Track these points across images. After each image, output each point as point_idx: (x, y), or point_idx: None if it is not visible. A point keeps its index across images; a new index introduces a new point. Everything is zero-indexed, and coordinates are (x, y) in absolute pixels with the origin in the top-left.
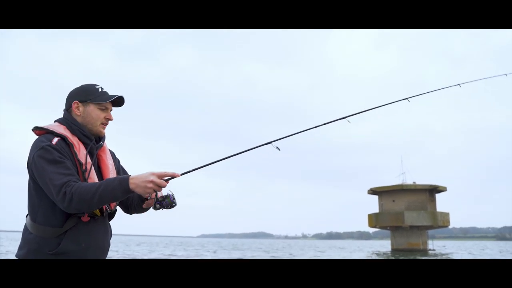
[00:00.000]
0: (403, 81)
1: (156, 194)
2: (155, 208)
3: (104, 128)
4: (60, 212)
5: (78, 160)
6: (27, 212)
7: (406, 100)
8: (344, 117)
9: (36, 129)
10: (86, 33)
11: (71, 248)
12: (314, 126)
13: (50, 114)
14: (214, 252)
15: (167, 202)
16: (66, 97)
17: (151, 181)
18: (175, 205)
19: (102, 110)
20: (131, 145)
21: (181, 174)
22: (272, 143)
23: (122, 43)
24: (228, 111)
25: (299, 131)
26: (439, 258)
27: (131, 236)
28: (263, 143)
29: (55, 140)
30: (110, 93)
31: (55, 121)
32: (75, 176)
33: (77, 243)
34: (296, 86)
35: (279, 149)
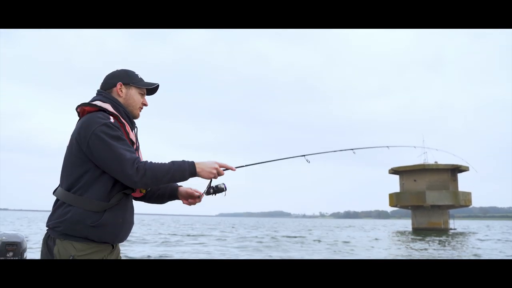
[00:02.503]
0: (421, 56)
1: (211, 181)
2: (208, 193)
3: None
4: (105, 187)
5: (130, 140)
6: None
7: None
8: (351, 149)
9: (86, 105)
10: None
11: (110, 221)
12: (341, 149)
13: (65, 95)
14: (230, 231)
15: (220, 189)
16: (105, 77)
17: (216, 169)
18: (225, 192)
19: (141, 95)
20: (148, 126)
21: (236, 168)
22: (305, 156)
23: None
24: (240, 89)
25: (331, 150)
26: (460, 237)
27: (151, 215)
28: (297, 155)
29: (112, 118)
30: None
31: (93, 100)
32: (135, 153)
33: (116, 217)
34: (310, 63)
35: (308, 162)
